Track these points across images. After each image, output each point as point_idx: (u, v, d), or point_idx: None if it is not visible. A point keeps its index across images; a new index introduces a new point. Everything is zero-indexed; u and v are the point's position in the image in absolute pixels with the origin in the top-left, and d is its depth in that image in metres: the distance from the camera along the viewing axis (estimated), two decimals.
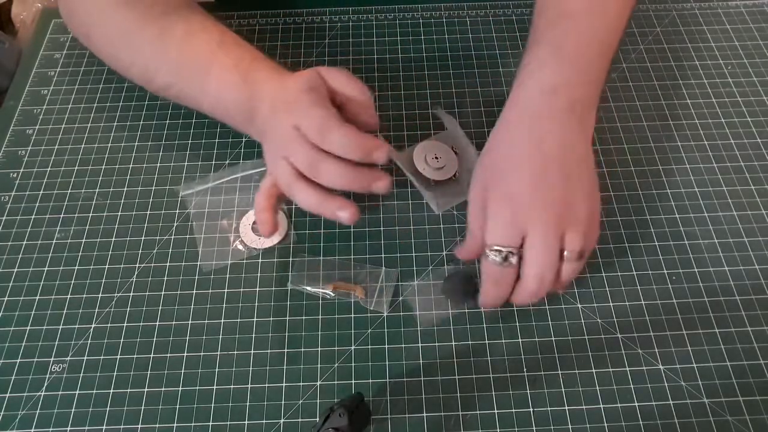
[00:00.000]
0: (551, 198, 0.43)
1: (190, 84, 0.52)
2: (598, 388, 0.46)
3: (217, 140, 0.59)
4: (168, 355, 0.48)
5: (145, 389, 0.46)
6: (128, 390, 0.46)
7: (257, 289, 0.51)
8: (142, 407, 0.46)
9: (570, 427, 0.44)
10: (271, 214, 0.48)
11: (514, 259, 0.43)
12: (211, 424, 0.45)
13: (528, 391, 0.46)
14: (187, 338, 0.49)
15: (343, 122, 0.45)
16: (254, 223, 0.54)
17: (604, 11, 0.50)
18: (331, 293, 0.50)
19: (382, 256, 0.52)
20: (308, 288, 0.50)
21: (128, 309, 0.50)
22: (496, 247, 0.43)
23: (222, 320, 0.49)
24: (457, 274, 0.50)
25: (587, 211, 0.44)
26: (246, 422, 0.45)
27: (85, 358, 0.48)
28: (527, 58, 0.49)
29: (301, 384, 0.46)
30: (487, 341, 0.48)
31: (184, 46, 0.52)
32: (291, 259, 0.52)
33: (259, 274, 0.52)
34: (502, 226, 0.44)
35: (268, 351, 0.48)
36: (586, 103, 0.47)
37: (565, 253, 0.43)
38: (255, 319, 0.49)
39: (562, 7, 0.50)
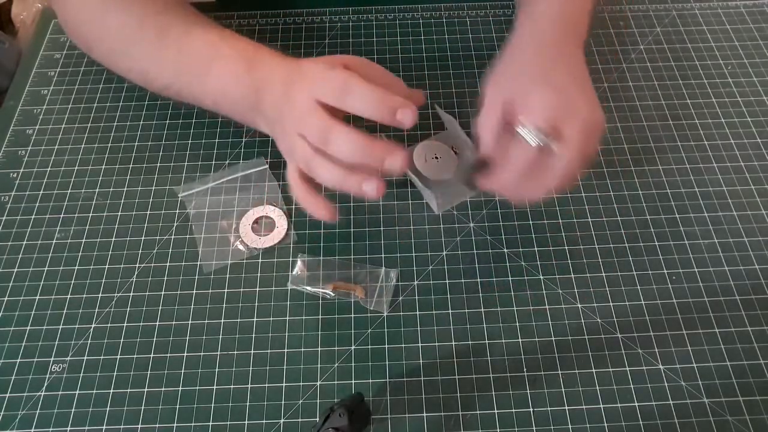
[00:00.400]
0: (587, 98, 0.45)
1: (192, 79, 0.51)
2: (598, 388, 0.46)
3: (217, 140, 0.59)
4: (168, 355, 0.48)
5: (145, 389, 0.46)
6: (128, 390, 0.46)
7: (257, 289, 0.51)
8: (142, 407, 0.46)
9: (570, 427, 0.44)
10: (316, 196, 0.46)
11: (554, 144, 0.43)
12: (211, 424, 0.45)
13: (528, 391, 0.46)
14: (187, 338, 0.49)
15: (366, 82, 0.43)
16: (254, 222, 0.54)
17: None
18: (331, 293, 0.50)
19: (382, 256, 0.52)
20: (308, 288, 0.50)
21: (128, 309, 0.50)
22: (536, 127, 0.43)
23: (222, 320, 0.49)
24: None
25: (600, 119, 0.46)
26: (246, 422, 0.45)
27: (85, 358, 0.48)
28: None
29: (301, 384, 0.46)
30: (487, 341, 0.48)
31: (183, 43, 0.51)
32: (291, 259, 0.52)
33: (259, 274, 0.52)
34: (550, 108, 0.43)
35: (268, 351, 0.48)
36: (581, 31, 0.51)
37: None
38: (255, 319, 0.49)
39: None
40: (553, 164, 0.43)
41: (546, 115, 0.43)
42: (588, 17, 0.52)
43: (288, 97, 0.45)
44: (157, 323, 0.49)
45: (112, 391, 0.46)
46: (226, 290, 0.51)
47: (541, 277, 0.51)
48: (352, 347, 0.48)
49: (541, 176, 0.44)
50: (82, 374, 0.47)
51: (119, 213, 0.55)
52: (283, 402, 0.46)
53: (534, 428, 0.44)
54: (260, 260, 0.52)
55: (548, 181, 0.44)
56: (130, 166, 0.58)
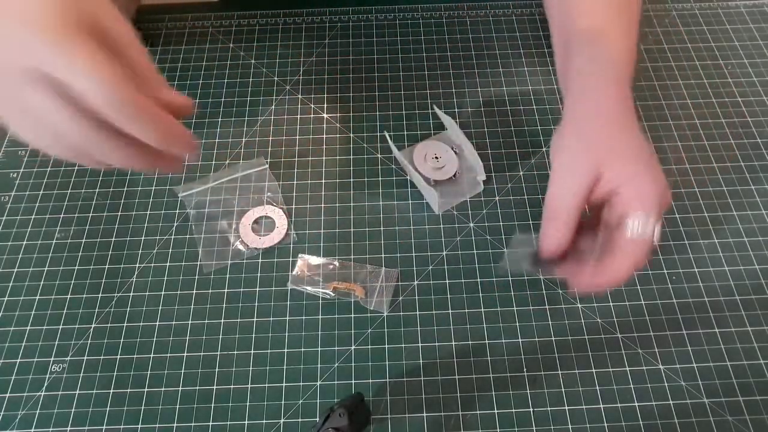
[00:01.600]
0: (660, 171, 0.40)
1: None
2: (598, 388, 0.46)
3: (217, 140, 0.59)
4: (168, 355, 0.48)
5: (145, 389, 0.46)
6: (128, 390, 0.46)
7: (257, 289, 0.51)
8: (142, 407, 0.46)
9: (570, 427, 0.44)
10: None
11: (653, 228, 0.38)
12: (211, 424, 0.45)
13: (528, 391, 0.46)
14: (187, 338, 0.49)
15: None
16: (254, 222, 0.54)
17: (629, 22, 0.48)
18: (331, 293, 0.50)
19: (382, 256, 0.52)
20: (308, 288, 0.50)
21: (128, 309, 0.50)
22: (653, 220, 0.37)
23: (222, 320, 0.49)
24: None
25: None
26: (246, 422, 0.45)
27: (85, 358, 0.48)
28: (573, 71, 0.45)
29: (301, 384, 0.46)
30: (487, 341, 0.48)
31: None
32: (291, 259, 0.52)
33: (259, 274, 0.52)
34: (657, 196, 0.38)
35: (268, 351, 0.48)
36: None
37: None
38: (255, 319, 0.49)
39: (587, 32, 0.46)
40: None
41: (660, 202, 0.38)
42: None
43: None
44: (157, 323, 0.49)
45: (112, 391, 0.46)
46: (226, 290, 0.51)
47: (541, 277, 0.51)
48: (352, 347, 0.48)
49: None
50: (82, 374, 0.47)
51: (119, 213, 0.55)
52: (283, 402, 0.46)
53: (534, 428, 0.44)
54: (260, 260, 0.52)
55: (636, 262, 0.39)
56: None
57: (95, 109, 0.31)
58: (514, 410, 0.45)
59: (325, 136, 0.60)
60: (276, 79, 0.64)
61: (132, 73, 0.33)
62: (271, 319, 0.49)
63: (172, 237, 0.54)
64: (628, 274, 0.38)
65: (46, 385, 0.47)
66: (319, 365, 0.47)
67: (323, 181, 0.57)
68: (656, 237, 0.38)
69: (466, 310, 0.49)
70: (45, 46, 0.30)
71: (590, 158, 0.39)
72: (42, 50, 0.30)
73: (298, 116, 0.61)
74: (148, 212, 0.55)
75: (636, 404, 0.45)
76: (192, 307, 0.50)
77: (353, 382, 0.46)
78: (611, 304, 0.49)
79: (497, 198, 0.55)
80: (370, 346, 0.48)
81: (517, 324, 0.49)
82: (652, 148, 0.43)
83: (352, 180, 0.57)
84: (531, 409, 0.45)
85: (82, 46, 0.30)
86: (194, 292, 0.51)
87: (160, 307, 0.50)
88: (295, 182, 0.57)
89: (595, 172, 0.38)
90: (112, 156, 0.33)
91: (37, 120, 0.32)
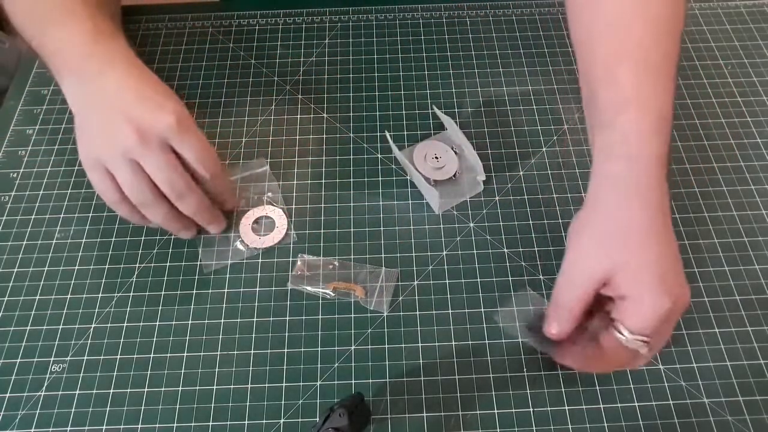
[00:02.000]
0: (683, 281, 0.40)
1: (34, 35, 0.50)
2: (598, 388, 0.46)
3: (217, 140, 0.59)
4: (168, 355, 0.48)
5: (145, 389, 0.46)
6: (128, 390, 0.46)
7: (257, 289, 0.51)
8: (142, 407, 0.46)
9: (570, 427, 0.44)
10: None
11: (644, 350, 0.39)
12: (211, 424, 0.45)
13: (528, 391, 0.46)
14: (187, 338, 0.48)
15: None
16: (254, 222, 0.54)
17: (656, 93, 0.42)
18: (331, 293, 0.50)
19: (382, 256, 0.52)
20: (308, 288, 0.50)
21: (128, 309, 0.50)
22: (641, 338, 0.39)
23: (222, 320, 0.49)
24: (540, 318, 0.47)
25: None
26: (246, 422, 0.45)
27: (85, 358, 0.48)
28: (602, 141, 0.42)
29: (301, 384, 0.46)
30: (487, 341, 0.48)
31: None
32: (291, 259, 0.52)
33: (259, 274, 0.52)
34: (659, 319, 0.38)
35: (268, 351, 0.48)
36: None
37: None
38: (255, 319, 0.49)
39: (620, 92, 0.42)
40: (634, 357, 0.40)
41: (654, 326, 0.38)
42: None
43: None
44: (157, 323, 0.49)
45: (112, 391, 0.46)
46: (226, 290, 0.51)
47: (541, 277, 0.51)
48: (352, 347, 0.48)
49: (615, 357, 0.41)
50: (82, 374, 0.47)
51: None
52: (283, 402, 0.46)
53: (534, 428, 0.44)
54: (260, 260, 0.52)
55: (620, 365, 0.42)
56: None
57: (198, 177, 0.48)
58: (514, 410, 0.45)
59: (325, 136, 0.60)
60: (276, 79, 0.64)
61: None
62: (271, 319, 0.49)
63: (172, 237, 0.54)
64: (606, 371, 0.44)
65: (46, 385, 0.47)
66: (319, 365, 0.47)
67: (323, 181, 0.57)
68: (644, 353, 0.39)
69: (466, 310, 0.49)
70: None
71: (603, 266, 0.39)
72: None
73: (298, 116, 0.61)
74: None
75: (636, 404, 0.45)
76: (192, 307, 0.50)
77: (353, 382, 0.46)
78: None
79: (497, 198, 0.55)
80: (370, 346, 0.48)
81: (517, 324, 0.49)
82: (677, 257, 0.41)
83: (352, 180, 0.57)
84: (531, 409, 0.45)
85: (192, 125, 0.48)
86: (194, 292, 0.51)
87: (160, 307, 0.50)
88: (295, 182, 0.57)
89: (605, 278, 0.39)
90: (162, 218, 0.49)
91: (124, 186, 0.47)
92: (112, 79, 0.47)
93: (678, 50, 0.44)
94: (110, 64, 0.48)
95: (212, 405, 0.46)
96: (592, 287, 0.40)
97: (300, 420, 0.45)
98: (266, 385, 0.46)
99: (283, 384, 0.46)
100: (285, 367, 0.47)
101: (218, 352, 0.48)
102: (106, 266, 0.52)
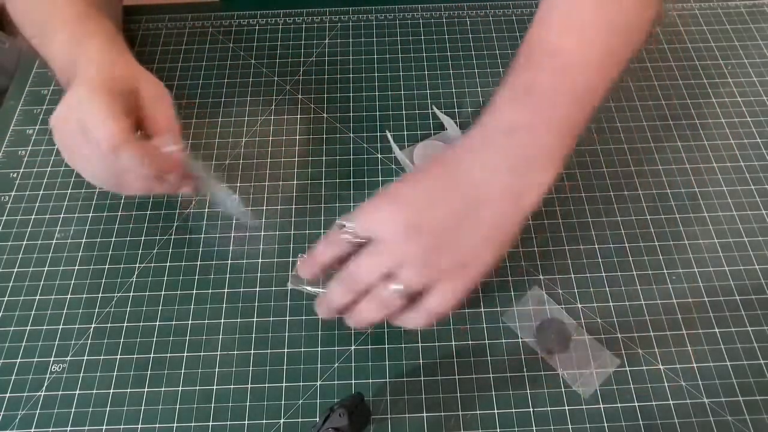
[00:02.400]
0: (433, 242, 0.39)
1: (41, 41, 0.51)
2: (598, 388, 0.46)
3: (217, 140, 0.59)
4: (168, 355, 0.48)
5: (145, 389, 0.46)
6: (128, 390, 0.46)
7: (257, 289, 0.51)
8: (142, 407, 0.46)
9: (570, 427, 0.44)
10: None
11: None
12: (211, 424, 0.45)
13: (528, 391, 0.46)
14: (187, 338, 0.48)
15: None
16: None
17: (591, 51, 0.42)
18: None
19: None
20: (308, 288, 0.50)
21: (128, 309, 0.50)
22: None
23: (222, 320, 0.49)
24: (549, 323, 0.48)
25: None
26: (246, 422, 0.45)
27: (85, 358, 0.48)
28: (493, 98, 0.43)
29: (301, 384, 0.46)
30: (487, 341, 0.48)
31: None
32: (291, 259, 0.52)
33: (259, 274, 0.52)
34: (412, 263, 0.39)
35: (268, 351, 0.48)
36: (542, 150, 0.41)
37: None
38: (255, 319, 0.49)
39: (546, 45, 0.43)
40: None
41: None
42: (595, 96, 0.42)
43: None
44: (157, 323, 0.49)
45: (112, 391, 0.46)
46: (226, 290, 0.51)
47: (541, 277, 0.51)
48: (352, 347, 0.48)
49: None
50: (82, 374, 0.47)
51: (119, 213, 0.55)
52: (283, 402, 0.46)
53: (534, 428, 0.44)
54: (260, 260, 0.52)
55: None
56: None
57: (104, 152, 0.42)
58: (514, 410, 0.45)
59: (325, 136, 0.60)
60: (276, 79, 0.64)
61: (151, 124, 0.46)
62: (271, 319, 0.49)
63: (172, 237, 0.54)
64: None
65: (46, 385, 0.47)
66: (319, 365, 0.47)
67: (323, 181, 0.57)
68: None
69: (466, 310, 0.49)
70: (82, 104, 0.43)
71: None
72: (81, 107, 0.43)
73: (298, 116, 0.61)
74: (148, 212, 0.55)
75: (636, 404, 0.45)
76: (192, 307, 0.50)
77: (353, 382, 0.46)
78: (611, 304, 0.49)
79: None
80: (370, 346, 0.48)
81: (518, 324, 0.49)
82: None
83: (352, 180, 0.57)
84: (531, 409, 0.45)
85: (101, 106, 0.42)
86: (194, 292, 0.51)
87: (160, 307, 0.50)
88: (295, 182, 0.57)
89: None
90: (133, 186, 0.45)
91: (82, 159, 0.45)
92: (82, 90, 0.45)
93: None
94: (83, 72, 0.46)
95: (212, 405, 0.46)
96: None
97: (300, 420, 0.45)
98: (266, 385, 0.46)
99: (283, 384, 0.46)
100: (285, 367, 0.47)
101: (218, 352, 0.48)
102: (106, 266, 0.52)
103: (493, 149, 0.41)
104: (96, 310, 0.50)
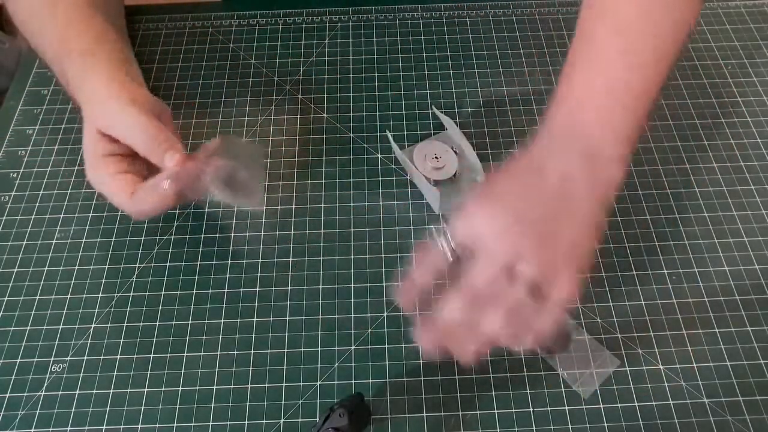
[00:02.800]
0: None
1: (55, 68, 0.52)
2: (598, 388, 0.46)
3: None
4: (168, 355, 0.48)
5: (145, 389, 0.46)
6: (128, 390, 0.46)
7: (257, 289, 0.51)
8: (142, 407, 0.46)
9: (570, 427, 0.44)
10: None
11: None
12: (211, 424, 0.45)
13: (528, 391, 0.46)
14: (187, 338, 0.48)
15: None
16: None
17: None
18: None
19: (383, 256, 0.52)
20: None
21: (128, 309, 0.50)
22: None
23: (222, 320, 0.49)
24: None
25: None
26: (246, 422, 0.45)
27: (85, 358, 0.48)
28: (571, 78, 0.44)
29: (301, 384, 0.46)
30: None
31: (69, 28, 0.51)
32: (291, 259, 0.52)
33: (259, 274, 0.52)
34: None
35: (268, 351, 0.48)
36: (607, 148, 0.41)
37: None
38: (255, 319, 0.49)
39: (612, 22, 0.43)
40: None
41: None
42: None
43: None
44: (157, 323, 0.49)
45: (112, 391, 0.46)
46: (226, 290, 0.51)
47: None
48: (352, 347, 0.48)
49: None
50: (82, 374, 0.47)
51: (119, 213, 0.55)
52: (283, 402, 0.46)
53: (534, 428, 0.44)
54: (260, 260, 0.52)
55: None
56: None
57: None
58: (514, 410, 0.45)
59: (325, 136, 0.60)
60: (276, 79, 0.64)
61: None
62: (271, 319, 0.49)
63: (172, 237, 0.54)
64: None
65: (46, 385, 0.47)
66: (319, 365, 0.47)
67: (323, 181, 0.57)
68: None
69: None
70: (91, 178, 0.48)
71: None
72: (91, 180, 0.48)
73: (298, 116, 0.61)
74: None
75: (636, 404, 0.45)
76: (192, 307, 0.50)
77: (353, 382, 0.46)
78: (611, 304, 0.49)
79: None
80: (370, 346, 0.48)
81: None
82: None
83: (352, 180, 0.57)
84: (531, 409, 0.45)
85: (104, 179, 0.47)
86: (194, 292, 0.51)
87: (160, 307, 0.50)
88: (295, 182, 0.57)
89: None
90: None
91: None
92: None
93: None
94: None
95: (212, 405, 0.46)
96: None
97: (300, 420, 0.45)
98: (266, 385, 0.46)
99: (283, 384, 0.46)
100: (285, 367, 0.47)
101: (218, 352, 0.48)
102: (106, 266, 0.52)
103: (566, 148, 0.41)
104: (96, 310, 0.50)
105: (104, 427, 0.45)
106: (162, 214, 0.51)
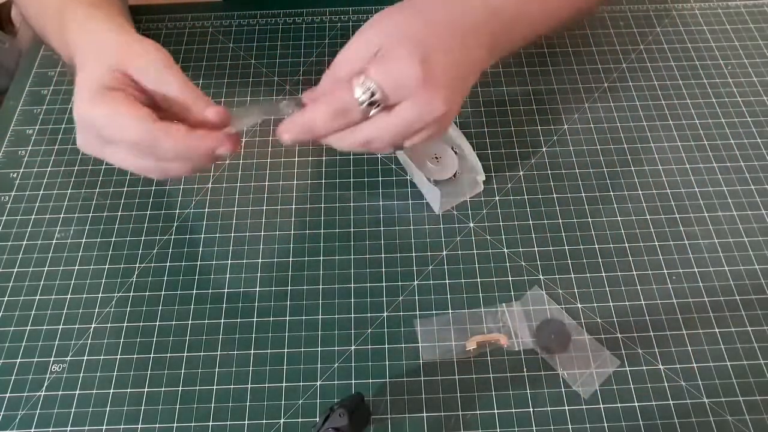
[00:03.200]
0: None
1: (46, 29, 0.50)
2: (598, 388, 0.46)
3: None
4: (168, 355, 0.48)
5: (145, 389, 0.46)
6: (128, 390, 0.46)
7: (257, 288, 0.51)
8: (142, 407, 0.46)
9: (570, 427, 0.44)
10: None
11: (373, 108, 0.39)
12: (211, 424, 0.45)
13: (528, 391, 0.46)
14: (187, 338, 0.48)
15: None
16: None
17: None
18: (472, 348, 0.47)
19: (383, 256, 0.52)
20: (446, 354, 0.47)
21: (128, 309, 0.50)
22: (371, 85, 0.38)
23: (222, 320, 0.49)
24: (549, 323, 0.48)
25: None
26: (246, 422, 0.45)
27: (85, 358, 0.48)
28: None
29: (301, 384, 0.46)
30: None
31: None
32: (291, 259, 0.52)
33: (259, 274, 0.52)
34: (405, 84, 0.38)
35: (268, 351, 0.48)
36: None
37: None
38: (255, 319, 0.49)
39: None
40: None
41: (395, 85, 0.38)
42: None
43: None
44: (157, 323, 0.49)
45: (112, 391, 0.46)
46: (226, 290, 0.51)
47: (541, 277, 0.51)
48: (352, 347, 0.48)
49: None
50: (82, 374, 0.47)
51: (119, 213, 0.55)
52: (283, 402, 0.46)
53: (534, 428, 0.44)
54: (260, 260, 0.52)
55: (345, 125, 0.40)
56: None
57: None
58: (514, 410, 0.45)
59: None
60: (276, 79, 0.64)
61: (165, 101, 0.41)
62: (271, 319, 0.49)
63: (172, 237, 0.54)
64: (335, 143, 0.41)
65: (46, 385, 0.47)
66: (319, 365, 0.47)
67: (323, 181, 0.57)
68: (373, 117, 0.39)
69: (466, 310, 0.49)
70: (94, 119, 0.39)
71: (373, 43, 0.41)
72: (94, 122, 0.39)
73: None
74: (148, 212, 0.55)
75: (636, 404, 0.45)
76: (192, 307, 0.50)
77: (353, 382, 0.46)
78: (611, 304, 0.49)
79: (497, 198, 0.55)
80: (370, 346, 0.48)
81: (518, 324, 0.49)
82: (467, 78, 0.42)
83: (352, 180, 0.57)
84: (531, 409, 0.45)
85: (105, 111, 0.39)
86: (194, 292, 0.51)
87: (160, 307, 0.50)
88: (295, 182, 0.57)
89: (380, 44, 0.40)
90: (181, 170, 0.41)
91: (122, 163, 0.41)
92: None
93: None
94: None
95: (212, 405, 0.46)
96: (365, 47, 0.40)
97: (300, 420, 0.45)
98: (266, 385, 0.46)
99: (283, 384, 0.46)
100: (285, 367, 0.47)
101: (218, 352, 0.48)
102: (106, 266, 0.52)
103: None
104: (96, 310, 0.50)
105: (104, 427, 0.45)
106: (189, 177, 0.50)
